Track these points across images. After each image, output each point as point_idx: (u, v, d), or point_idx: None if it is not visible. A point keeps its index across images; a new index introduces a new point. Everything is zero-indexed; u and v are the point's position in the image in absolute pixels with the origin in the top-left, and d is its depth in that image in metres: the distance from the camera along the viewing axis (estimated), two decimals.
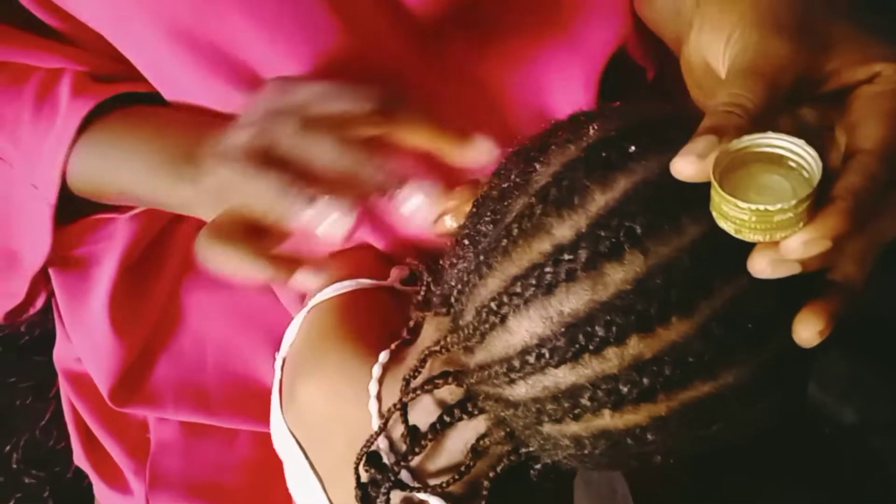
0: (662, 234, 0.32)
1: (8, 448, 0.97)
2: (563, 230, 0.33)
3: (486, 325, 0.35)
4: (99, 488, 0.64)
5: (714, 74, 0.37)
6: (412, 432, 0.41)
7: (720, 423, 0.34)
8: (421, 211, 0.41)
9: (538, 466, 0.40)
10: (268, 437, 0.51)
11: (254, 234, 0.41)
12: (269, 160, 0.40)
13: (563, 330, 0.33)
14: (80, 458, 0.65)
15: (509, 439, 0.39)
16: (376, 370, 0.44)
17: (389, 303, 0.52)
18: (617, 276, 0.32)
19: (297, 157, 0.40)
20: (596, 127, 0.36)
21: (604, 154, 0.34)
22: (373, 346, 0.46)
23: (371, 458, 0.42)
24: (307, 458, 0.47)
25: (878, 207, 0.30)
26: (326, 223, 0.38)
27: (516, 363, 0.34)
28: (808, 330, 0.31)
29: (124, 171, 0.50)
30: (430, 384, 0.40)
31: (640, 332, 0.32)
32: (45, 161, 0.51)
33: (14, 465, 0.97)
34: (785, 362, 0.34)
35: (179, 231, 0.61)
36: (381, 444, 0.42)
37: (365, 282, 0.53)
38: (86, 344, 0.60)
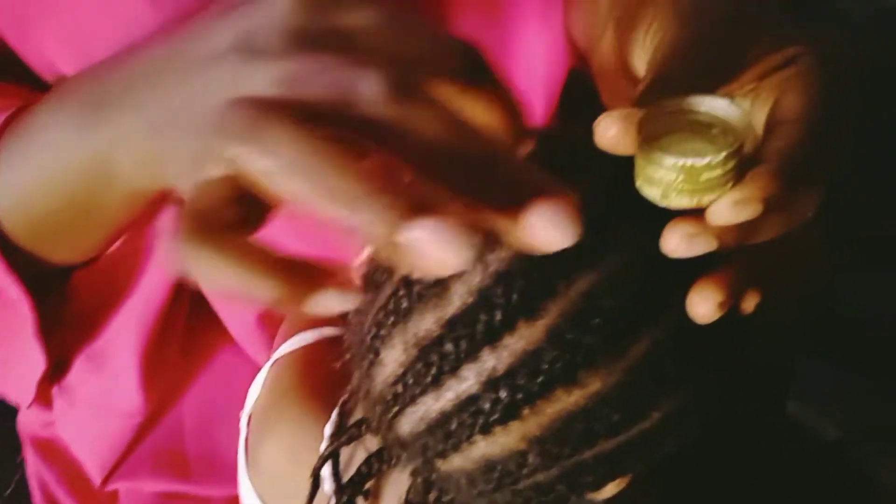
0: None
1: None
2: None
3: (366, 363, 0.34)
4: None
5: (629, 74, 0.36)
6: (339, 488, 0.39)
7: (608, 440, 0.31)
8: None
9: None
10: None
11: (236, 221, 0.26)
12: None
13: (419, 353, 0.32)
14: None
15: (429, 488, 0.37)
16: (328, 429, 0.43)
17: None
18: (460, 289, 0.31)
19: (377, 121, 0.24)
20: None
21: None
22: (332, 403, 0.44)
23: None
24: None
25: (803, 180, 0.28)
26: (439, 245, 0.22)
27: (389, 397, 0.33)
28: (704, 303, 0.28)
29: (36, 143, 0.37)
30: (346, 434, 0.38)
31: (489, 343, 0.30)
32: None
33: None
34: (662, 367, 0.31)
35: None
36: None
37: (328, 331, 0.52)
38: (86, 426, 0.58)
